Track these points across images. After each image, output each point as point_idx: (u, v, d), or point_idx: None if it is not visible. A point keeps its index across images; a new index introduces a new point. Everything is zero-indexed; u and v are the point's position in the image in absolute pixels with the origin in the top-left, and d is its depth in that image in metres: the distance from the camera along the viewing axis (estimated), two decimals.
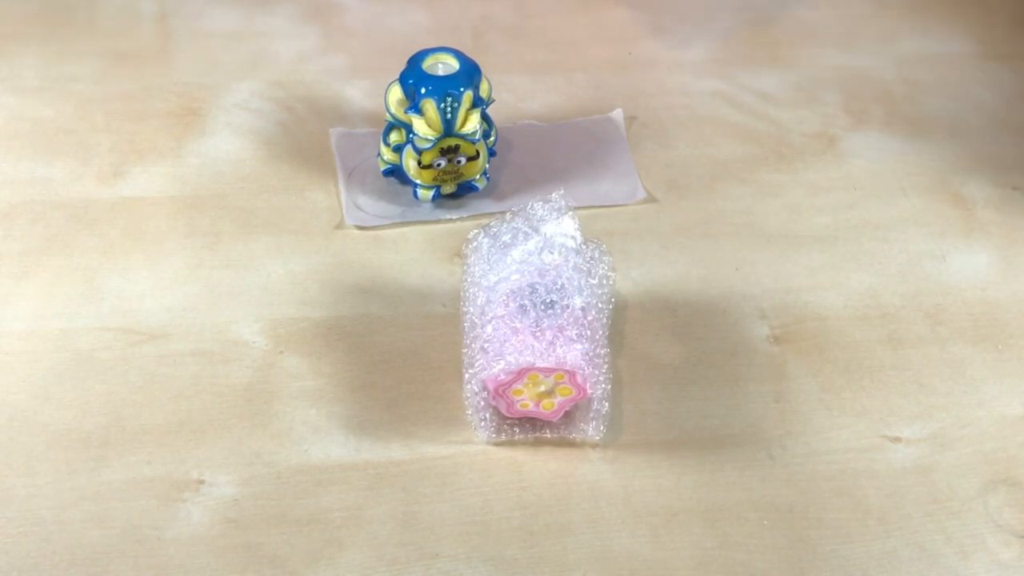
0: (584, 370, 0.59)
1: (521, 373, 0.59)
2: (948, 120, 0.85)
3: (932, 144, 0.83)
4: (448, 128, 0.70)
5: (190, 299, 0.69)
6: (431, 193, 0.74)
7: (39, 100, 0.82)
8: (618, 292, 0.69)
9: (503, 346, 0.59)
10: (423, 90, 0.69)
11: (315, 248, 0.72)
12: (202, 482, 0.59)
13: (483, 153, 0.73)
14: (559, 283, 0.62)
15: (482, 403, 0.61)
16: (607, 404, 0.61)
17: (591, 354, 0.60)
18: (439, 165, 0.72)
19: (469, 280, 0.65)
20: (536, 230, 0.65)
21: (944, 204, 0.78)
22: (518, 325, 0.60)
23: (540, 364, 0.58)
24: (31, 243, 0.72)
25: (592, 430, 0.61)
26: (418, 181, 0.73)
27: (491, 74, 0.73)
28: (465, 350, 0.63)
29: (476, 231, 0.66)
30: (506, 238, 0.65)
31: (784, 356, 0.67)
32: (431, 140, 0.70)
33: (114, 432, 0.61)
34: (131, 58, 0.86)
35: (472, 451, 0.62)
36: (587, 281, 0.63)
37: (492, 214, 0.74)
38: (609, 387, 0.62)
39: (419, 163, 0.72)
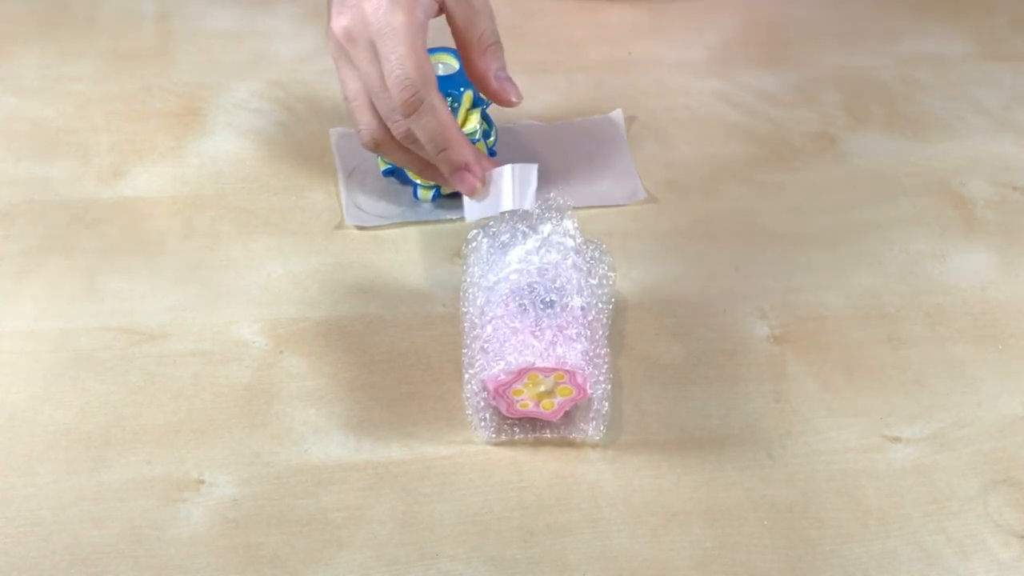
0: (584, 370, 0.59)
1: (521, 373, 0.59)
2: (948, 120, 0.85)
3: (932, 144, 0.83)
4: None
5: (190, 299, 0.69)
6: (431, 193, 0.74)
7: (39, 100, 0.82)
8: (618, 292, 0.69)
9: (503, 346, 0.59)
10: None
11: (315, 248, 0.72)
12: (202, 482, 0.59)
13: (483, 153, 0.73)
14: (559, 283, 0.62)
15: (482, 403, 0.61)
16: (607, 404, 0.61)
17: (591, 354, 0.60)
18: None
19: (469, 280, 0.65)
20: (535, 230, 0.65)
21: (944, 204, 0.78)
22: (518, 325, 0.60)
23: (540, 364, 0.58)
24: (31, 243, 0.72)
25: (592, 430, 0.61)
26: (418, 181, 0.73)
27: None
28: (465, 350, 0.63)
29: (476, 231, 0.66)
30: (505, 238, 0.65)
31: (784, 356, 0.67)
32: None
33: (114, 432, 0.61)
34: (131, 58, 0.86)
35: (472, 451, 0.62)
36: (587, 281, 0.63)
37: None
38: (609, 387, 0.62)
39: None
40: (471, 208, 0.58)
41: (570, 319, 0.60)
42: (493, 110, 0.74)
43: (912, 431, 0.64)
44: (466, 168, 0.57)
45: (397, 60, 0.54)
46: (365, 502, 0.59)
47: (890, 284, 0.72)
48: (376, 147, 0.61)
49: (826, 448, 0.63)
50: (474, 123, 0.70)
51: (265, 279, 0.70)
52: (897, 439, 0.63)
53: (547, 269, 0.62)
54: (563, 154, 0.80)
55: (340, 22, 0.56)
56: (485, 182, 0.58)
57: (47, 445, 0.61)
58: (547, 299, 0.61)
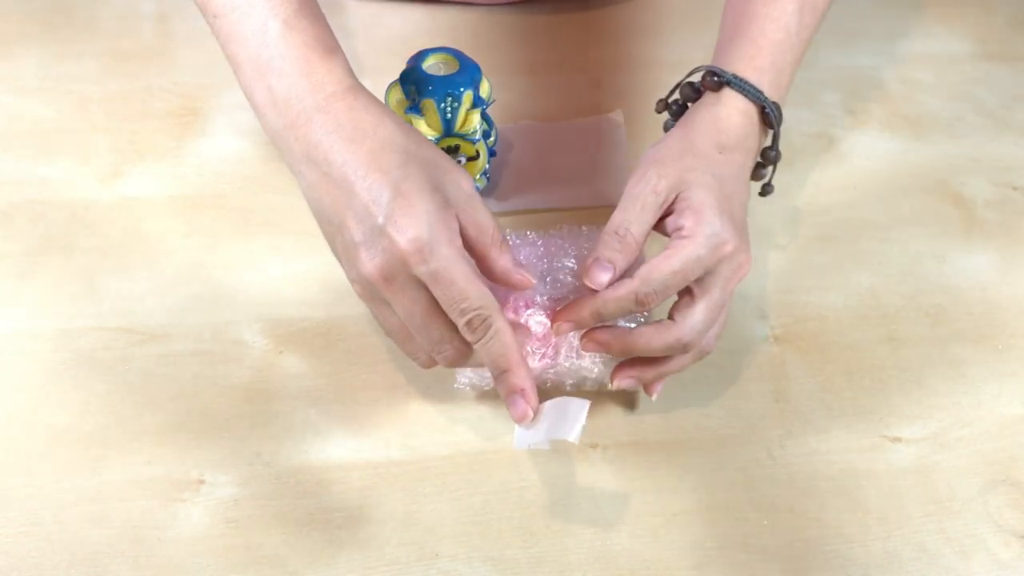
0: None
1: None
2: (948, 120, 0.85)
3: (932, 144, 0.83)
4: (448, 128, 0.70)
5: (190, 299, 0.69)
6: None
7: (39, 100, 0.82)
8: None
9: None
10: (423, 90, 0.69)
11: (315, 248, 0.72)
12: (202, 482, 0.59)
13: (483, 153, 0.73)
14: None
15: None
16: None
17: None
18: None
19: None
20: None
21: (944, 204, 0.78)
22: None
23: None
24: (31, 243, 0.72)
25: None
26: None
27: (491, 74, 0.73)
28: None
29: None
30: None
31: (784, 356, 0.67)
32: (431, 140, 0.70)
33: (114, 432, 0.61)
34: (131, 58, 0.86)
35: (472, 451, 0.62)
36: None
37: (492, 214, 0.74)
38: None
39: None
40: (520, 437, 0.57)
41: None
42: (493, 110, 0.74)
43: (912, 431, 0.64)
44: (521, 394, 0.56)
45: (459, 293, 0.53)
46: (365, 502, 0.59)
47: (890, 284, 0.72)
48: (432, 365, 0.59)
49: (826, 448, 0.63)
50: (474, 123, 0.70)
51: (265, 279, 0.70)
52: (897, 439, 0.63)
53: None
54: (563, 154, 0.80)
55: (372, 263, 0.54)
56: (537, 411, 0.57)
57: (47, 445, 0.61)
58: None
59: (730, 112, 0.62)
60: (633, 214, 0.58)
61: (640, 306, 0.57)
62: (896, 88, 0.88)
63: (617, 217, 0.59)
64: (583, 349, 0.60)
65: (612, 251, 0.58)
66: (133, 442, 0.61)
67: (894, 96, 0.87)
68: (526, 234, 0.65)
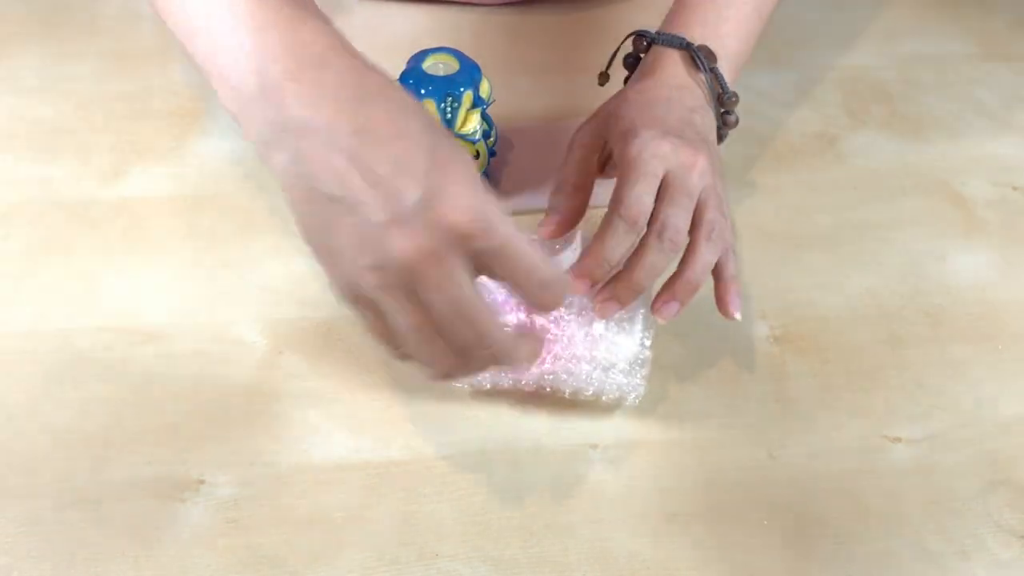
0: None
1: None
2: (948, 120, 0.85)
3: (932, 144, 0.83)
4: (448, 128, 0.70)
5: (190, 299, 0.69)
6: None
7: (39, 100, 0.82)
8: None
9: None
10: (423, 90, 0.69)
11: None
12: (202, 482, 0.59)
13: (483, 153, 0.73)
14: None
15: None
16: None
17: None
18: None
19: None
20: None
21: (944, 204, 0.78)
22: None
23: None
24: (31, 243, 0.72)
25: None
26: None
27: (491, 74, 0.73)
28: None
29: None
30: None
31: (784, 356, 0.67)
32: None
33: (114, 432, 0.61)
34: (131, 58, 0.86)
35: (472, 451, 0.62)
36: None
37: None
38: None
39: None
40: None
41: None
42: (493, 110, 0.74)
43: (912, 431, 0.64)
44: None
45: (531, 264, 0.49)
46: (365, 502, 0.59)
47: (890, 284, 0.72)
48: (447, 378, 0.54)
49: (826, 448, 0.63)
50: (474, 123, 0.70)
51: (265, 279, 0.70)
52: (897, 439, 0.63)
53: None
54: (563, 154, 0.79)
55: (411, 242, 0.46)
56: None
57: (47, 445, 0.61)
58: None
59: (658, 59, 0.67)
60: (568, 165, 0.64)
61: (633, 225, 0.57)
62: (896, 88, 0.88)
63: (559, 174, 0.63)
64: (600, 315, 0.59)
65: (555, 200, 0.63)
66: (133, 442, 0.61)
67: (894, 96, 0.87)
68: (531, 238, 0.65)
